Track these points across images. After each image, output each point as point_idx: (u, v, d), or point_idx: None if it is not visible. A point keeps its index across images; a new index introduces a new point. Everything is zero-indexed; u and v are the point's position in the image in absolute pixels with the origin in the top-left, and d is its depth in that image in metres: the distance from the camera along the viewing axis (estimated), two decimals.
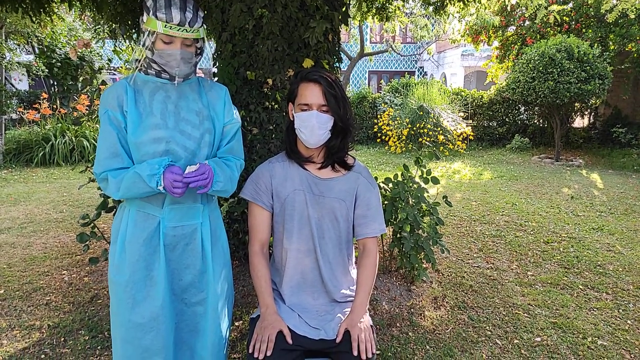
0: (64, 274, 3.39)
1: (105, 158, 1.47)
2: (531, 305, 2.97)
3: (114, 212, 2.87)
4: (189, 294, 1.58)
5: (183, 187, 1.39)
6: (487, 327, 2.68)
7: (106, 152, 1.46)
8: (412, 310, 2.85)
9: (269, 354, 1.45)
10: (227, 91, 1.68)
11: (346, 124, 1.60)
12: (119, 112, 1.46)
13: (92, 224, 2.78)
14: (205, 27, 1.50)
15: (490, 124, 11.54)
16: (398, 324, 2.67)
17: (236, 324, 2.61)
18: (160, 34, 1.42)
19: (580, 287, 3.27)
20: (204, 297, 1.59)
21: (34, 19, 3.76)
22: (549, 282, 3.34)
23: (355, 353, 1.46)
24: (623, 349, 2.50)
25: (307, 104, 1.54)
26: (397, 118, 10.53)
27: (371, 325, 1.60)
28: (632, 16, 5.96)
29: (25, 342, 2.46)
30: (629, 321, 2.79)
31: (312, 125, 1.53)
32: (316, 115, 1.53)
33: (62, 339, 2.49)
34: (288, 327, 1.54)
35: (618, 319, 2.82)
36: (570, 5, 10.22)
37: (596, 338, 2.59)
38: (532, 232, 4.54)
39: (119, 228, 1.55)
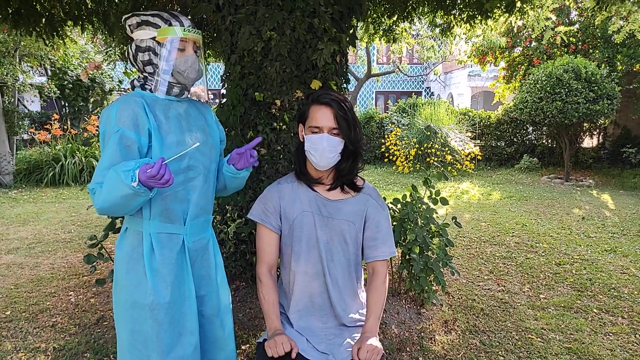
0: (70, 295, 3.37)
1: (103, 169, 1.38)
2: (544, 330, 2.90)
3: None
4: (205, 307, 1.61)
5: (168, 175, 1.30)
6: (500, 352, 2.61)
7: (106, 164, 1.38)
8: (422, 334, 2.79)
9: (287, 349, 1.44)
10: (210, 107, 1.76)
11: (356, 147, 1.59)
12: (134, 132, 1.41)
13: (100, 245, 2.77)
14: None
15: (498, 144, 11.49)
16: (408, 349, 2.61)
17: (243, 347, 2.56)
18: (178, 42, 1.47)
19: (595, 310, 3.19)
20: (217, 308, 1.63)
21: (47, 42, 3.84)
22: (562, 305, 3.27)
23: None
24: None
25: (318, 127, 1.53)
26: (405, 138, 10.54)
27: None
28: None
29: None
30: None
31: (323, 149, 1.52)
32: (327, 139, 1.52)
33: None
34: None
35: (635, 344, 2.74)
36: (577, 26, 10.27)
37: None
38: (543, 254, 4.47)
39: (141, 254, 1.47)
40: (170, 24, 1.46)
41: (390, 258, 3.41)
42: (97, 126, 9.56)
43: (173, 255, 1.50)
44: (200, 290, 1.58)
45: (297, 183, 1.66)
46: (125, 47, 4.57)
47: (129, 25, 1.53)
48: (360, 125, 1.62)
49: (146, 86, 1.52)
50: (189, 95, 1.63)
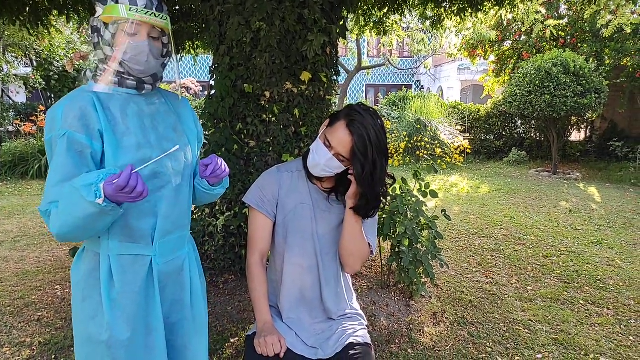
0: (56, 289, 3.33)
1: (55, 184, 1.14)
2: (532, 321, 2.93)
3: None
4: (176, 335, 1.38)
5: (142, 186, 1.07)
6: (488, 344, 2.63)
7: (57, 178, 1.14)
8: (411, 326, 2.80)
9: (277, 350, 1.40)
10: (188, 101, 1.50)
11: (371, 193, 1.46)
12: (84, 134, 1.16)
13: None
14: (169, 19, 1.30)
15: (488, 137, 11.57)
16: (397, 341, 2.62)
17: (232, 340, 2.55)
18: (123, 24, 1.19)
19: (581, 302, 3.23)
20: (189, 338, 1.40)
21: (31, 31, 3.76)
22: (549, 297, 3.30)
23: None
24: None
25: (330, 144, 1.46)
26: (395, 131, 10.55)
27: (368, 344, 1.56)
28: (628, 31, 6.00)
29: None
30: (631, 337, 2.75)
31: (318, 164, 1.47)
32: (326, 158, 1.45)
33: (53, 356, 2.43)
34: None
35: (620, 335, 2.78)
36: (566, 20, 10.32)
37: (598, 355, 2.54)
38: (531, 246, 4.51)
39: (98, 279, 1.24)
40: (117, 1, 1.18)
41: (380, 251, 3.42)
42: None
43: (137, 282, 1.25)
44: (171, 317, 1.36)
45: (297, 173, 1.62)
46: None
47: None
48: (385, 171, 1.47)
49: (97, 76, 1.25)
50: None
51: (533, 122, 10.60)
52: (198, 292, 1.44)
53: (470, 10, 4.41)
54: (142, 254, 1.27)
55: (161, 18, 1.23)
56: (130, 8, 1.17)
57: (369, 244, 1.59)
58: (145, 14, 1.19)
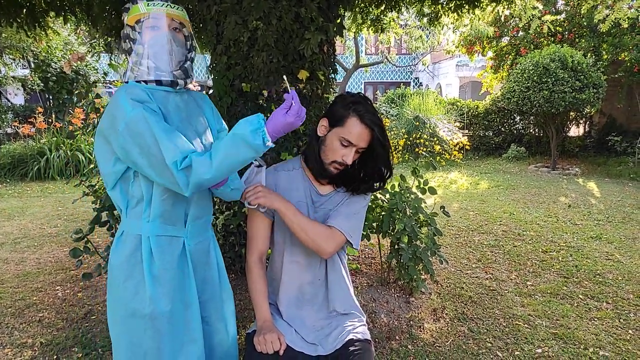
0: (57, 290, 3.34)
1: (170, 138, 1.23)
2: (531, 316, 2.94)
3: (106, 227, 2.83)
4: (209, 312, 1.52)
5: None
6: (488, 339, 2.65)
7: (168, 133, 1.24)
8: (411, 322, 2.81)
9: (276, 347, 1.43)
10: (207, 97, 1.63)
11: (388, 165, 1.58)
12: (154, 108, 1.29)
13: (86, 239, 2.74)
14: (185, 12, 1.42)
15: (486, 133, 11.57)
16: (397, 337, 2.63)
17: None
18: (146, 20, 1.31)
19: (580, 296, 3.24)
20: (221, 313, 1.55)
21: (28, 33, 3.76)
22: (549, 292, 3.31)
23: None
24: (625, 359, 2.46)
25: (350, 142, 1.49)
26: (394, 128, 10.56)
27: (368, 340, 1.57)
28: (625, 25, 6.01)
29: None
30: (630, 331, 2.76)
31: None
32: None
33: (55, 357, 2.44)
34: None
35: (619, 328, 2.79)
36: (563, 15, 10.32)
37: (598, 349, 2.56)
38: (530, 242, 4.52)
39: (139, 260, 1.37)
40: (136, 2, 1.32)
41: (380, 247, 3.42)
42: (83, 119, 9.24)
43: (174, 260, 1.40)
44: (203, 295, 1.50)
45: (294, 172, 1.63)
46: (109, 39, 4.49)
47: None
48: (390, 148, 1.59)
49: (134, 76, 1.37)
50: (190, 86, 1.48)
51: (532, 117, 10.60)
52: (222, 269, 1.60)
53: (467, 7, 4.41)
54: (177, 235, 1.42)
55: (177, 9, 1.35)
56: (148, 3, 1.31)
57: (333, 227, 1.54)
58: (162, 6, 1.32)
